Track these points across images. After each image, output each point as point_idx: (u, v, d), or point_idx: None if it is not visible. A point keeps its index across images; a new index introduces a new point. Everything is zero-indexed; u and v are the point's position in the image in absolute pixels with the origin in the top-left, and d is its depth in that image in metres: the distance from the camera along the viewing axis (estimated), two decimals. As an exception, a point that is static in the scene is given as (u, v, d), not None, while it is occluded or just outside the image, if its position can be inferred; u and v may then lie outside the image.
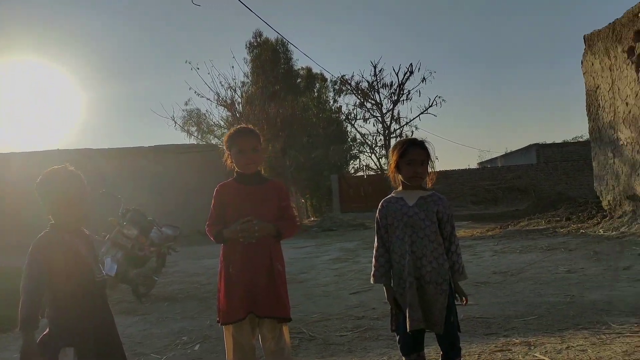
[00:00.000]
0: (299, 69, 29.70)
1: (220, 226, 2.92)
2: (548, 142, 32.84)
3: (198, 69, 21.51)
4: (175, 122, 23.25)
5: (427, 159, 2.90)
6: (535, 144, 31.75)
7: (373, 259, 2.92)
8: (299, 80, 29.65)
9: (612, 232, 9.63)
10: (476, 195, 28.93)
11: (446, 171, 29.68)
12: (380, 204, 2.95)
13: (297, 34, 63.34)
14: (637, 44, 9.38)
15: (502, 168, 30.96)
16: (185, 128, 25.05)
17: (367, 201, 24.22)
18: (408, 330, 2.73)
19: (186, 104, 25.24)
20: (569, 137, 54.75)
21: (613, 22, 10.14)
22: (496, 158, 39.43)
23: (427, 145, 2.93)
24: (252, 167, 2.96)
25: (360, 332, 4.66)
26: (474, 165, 41.86)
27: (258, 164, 3.01)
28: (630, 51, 9.60)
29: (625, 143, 10.02)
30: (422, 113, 25.67)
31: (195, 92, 23.98)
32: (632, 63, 9.54)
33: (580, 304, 5.03)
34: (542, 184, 28.19)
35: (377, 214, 2.94)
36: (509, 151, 37.29)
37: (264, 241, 2.88)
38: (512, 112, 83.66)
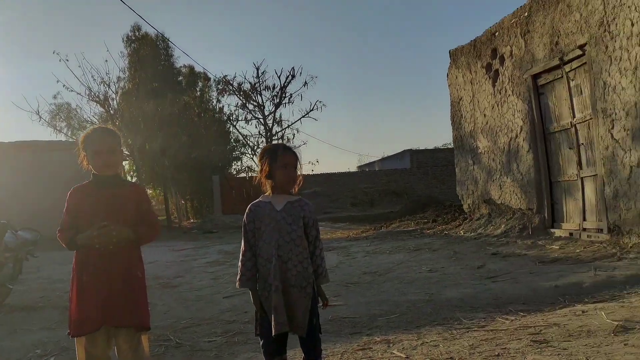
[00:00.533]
0: (180, 67, 28.86)
1: (74, 232, 2.76)
2: (421, 147, 34.80)
3: (67, 60, 20.08)
4: (40, 117, 21.56)
5: (298, 163, 2.96)
6: (409, 149, 33.50)
7: (239, 263, 2.91)
8: (180, 78, 28.78)
9: (470, 233, 10.46)
10: (355, 198, 29.90)
11: (328, 174, 30.43)
12: (248, 208, 2.96)
13: (179, 31, 61.51)
14: (494, 61, 10.29)
15: (379, 172, 32.36)
16: (53, 123, 23.33)
17: (250, 203, 24.02)
18: (273, 334, 2.75)
19: (55, 97, 23.49)
20: (439, 143, 58.48)
21: (474, 39, 11.04)
22: (374, 162, 41.04)
23: (295, 150, 3.00)
24: (109, 169, 2.83)
25: (230, 336, 4.64)
26: (353, 168, 43.26)
27: (116, 167, 2.88)
28: (488, 67, 10.51)
29: (483, 151, 10.94)
30: (303, 116, 26.10)
31: (64, 85, 22.48)
32: (490, 78, 10.45)
33: (438, 301, 5.40)
34: (415, 188, 29.85)
35: (244, 218, 2.94)
36: (385, 156, 39.00)
37: (121, 247, 2.77)
38: (389, 119, 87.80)
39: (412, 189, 29.67)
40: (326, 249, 11.18)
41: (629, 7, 6.74)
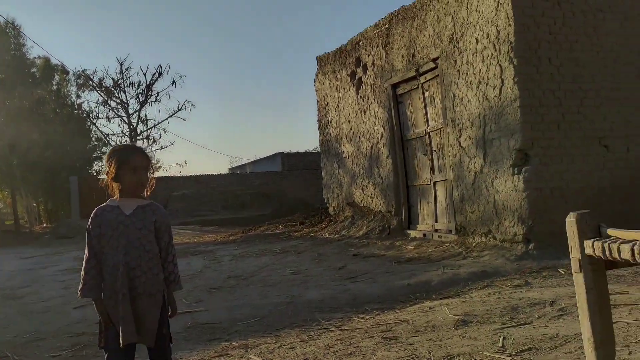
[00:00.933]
0: (34, 58, 26.49)
1: None
2: (293, 150, 35.33)
3: None
4: None
5: (149, 166, 2.83)
6: (281, 152, 33.83)
7: (82, 272, 2.72)
8: (34, 70, 26.41)
9: (335, 235, 10.79)
10: (226, 200, 29.51)
11: (197, 176, 29.76)
12: (93, 212, 2.78)
13: (34, 20, 56.53)
14: (358, 69, 10.73)
15: (251, 174, 32.28)
16: None
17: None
18: (121, 344, 2.61)
19: None
20: (311, 147, 59.75)
21: (340, 47, 11.43)
22: (246, 164, 40.87)
23: (147, 152, 2.88)
24: None
25: (77, 350, 4.34)
26: (225, 170, 42.73)
27: None
28: (353, 75, 10.94)
29: (347, 156, 11.36)
30: (170, 116, 25.42)
31: None
32: (354, 85, 10.88)
33: (299, 303, 5.48)
34: (286, 190, 30.15)
35: (89, 223, 2.75)
36: (257, 158, 39.00)
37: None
38: (261, 121, 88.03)
39: (283, 192, 29.94)
40: (192, 253, 10.92)
41: (474, 26, 7.38)
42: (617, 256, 2.02)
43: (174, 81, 25.24)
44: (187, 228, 20.30)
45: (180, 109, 25.51)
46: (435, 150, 8.81)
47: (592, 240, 2.16)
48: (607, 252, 2.06)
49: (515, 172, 6.83)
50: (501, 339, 3.43)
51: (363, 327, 4.26)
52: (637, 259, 1.93)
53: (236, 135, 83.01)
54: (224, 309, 5.45)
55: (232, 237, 13.71)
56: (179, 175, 26.77)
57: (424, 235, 8.99)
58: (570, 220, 2.28)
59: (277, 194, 29.71)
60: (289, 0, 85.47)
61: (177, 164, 29.09)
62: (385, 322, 4.34)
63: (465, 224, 7.78)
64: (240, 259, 9.32)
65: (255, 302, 5.65)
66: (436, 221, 8.82)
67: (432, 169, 8.89)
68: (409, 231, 9.45)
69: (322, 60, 12.27)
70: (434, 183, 8.88)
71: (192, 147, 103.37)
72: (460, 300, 4.86)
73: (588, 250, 2.18)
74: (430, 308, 4.67)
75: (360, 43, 10.61)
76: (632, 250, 1.92)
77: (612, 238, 2.11)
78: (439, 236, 8.57)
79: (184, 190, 27.56)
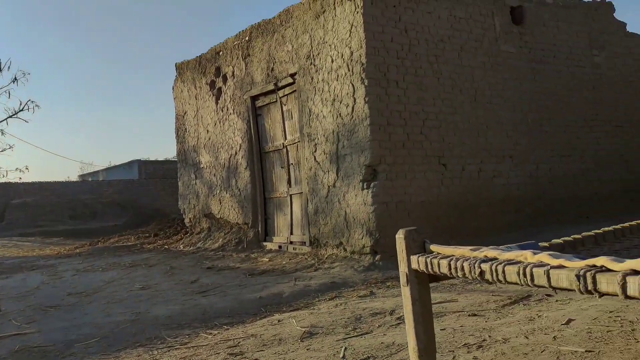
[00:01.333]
0: None
1: None
2: (152, 158, 33.91)
3: None
4: None
5: None
6: (138, 159, 32.33)
7: None
8: None
9: (190, 247, 10.51)
10: (74, 209, 27.49)
11: (41, 183, 27.41)
12: None
13: None
14: (218, 79, 10.62)
15: (104, 182, 30.42)
16: None
17: None
18: None
19: None
20: (170, 155, 57.76)
21: (200, 55, 11.23)
22: (99, 171, 38.45)
23: None
24: None
25: None
26: (74, 177, 39.84)
27: None
28: (212, 84, 10.79)
29: (205, 166, 11.15)
30: (10, 117, 22.98)
31: None
32: (213, 95, 10.74)
33: (145, 320, 5.22)
34: (143, 200, 28.81)
35: None
36: (112, 165, 36.86)
37: None
38: (117, 126, 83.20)
39: (139, 201, 28.57)
40: (29, 268, 9.96)
41: (329, 45, 7.67)
42: (437, 270, 2.19)
43: (15, 79, 22.86)
44: (27, 240, 18.57)
45: (22, 109, 23.18)
46: (292, 164, 8.98)
47: (418, 255, 2.33)
48: (430, 267, 2.23)
49: (365, 186, 7.18)
50: (343, 349, 3.54)
51: (210, 343, 4.17)
52: (453, 273, 2.11)
53: (89, 140, 77.73)
54: (60, 330, 5.03)
55: (78, 250, 12.75)
56: (19, 181, 24.30)
57: (280, 247, 9.09)
58: (399, 236, 2.44)
59: (133, 203, 28.27)
60: (152, 4, 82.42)
61: (17, 169, 26.41)
62: (233, 337, 4.29)
63: (319, 236, 8.00)
64: (84, 273, 8.68)
65: (97, 321, 5.29)
66: (291, 233, 8.96)
67: (289, 182, 9.04)
68: (265, 243, 9.49)
69: (181, 68, 11.95)
70: (291, 196, 9.03)
71: (36, 151, 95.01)
72: (309, 311, 4.96)
73: (414, 265, 2.34)
74: (279, 321, 4.70)
75: (220, 53, 10.51)
76: (449, 265, 2.10)
77: (434, 253, 2.29)
78: (293, 248, 8.71)
79: (25, 198, 25.22)
